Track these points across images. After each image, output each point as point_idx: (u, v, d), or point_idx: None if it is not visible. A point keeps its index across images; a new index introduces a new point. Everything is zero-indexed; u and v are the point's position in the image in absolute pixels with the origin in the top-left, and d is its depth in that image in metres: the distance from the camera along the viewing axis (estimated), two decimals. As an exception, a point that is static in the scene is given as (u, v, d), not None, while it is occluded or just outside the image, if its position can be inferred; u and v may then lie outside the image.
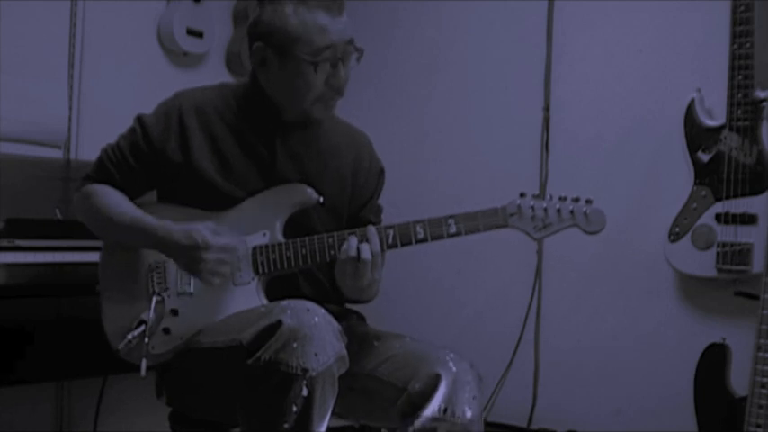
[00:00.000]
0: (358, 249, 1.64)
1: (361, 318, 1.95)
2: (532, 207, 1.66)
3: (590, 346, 2.76)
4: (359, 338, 1.78)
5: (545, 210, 1.66)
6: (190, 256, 1.66)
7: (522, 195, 1.67)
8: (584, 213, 1.65)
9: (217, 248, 1.66)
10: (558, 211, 1.66)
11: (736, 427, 2.11)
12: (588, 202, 1.66)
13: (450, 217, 1.67)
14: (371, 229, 1.67)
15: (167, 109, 1.81)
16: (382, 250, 1.66)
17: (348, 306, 1.95)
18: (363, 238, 1.66)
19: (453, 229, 1.68)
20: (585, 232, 1.66)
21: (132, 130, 1.82)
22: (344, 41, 1.70)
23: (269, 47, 1.72)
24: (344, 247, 1.66)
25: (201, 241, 1.64)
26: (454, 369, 1.61)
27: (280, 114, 1.80)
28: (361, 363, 1.70)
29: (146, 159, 1.80)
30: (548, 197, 1.67)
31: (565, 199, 1.66)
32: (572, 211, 1.66)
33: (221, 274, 1.68)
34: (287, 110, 1.79)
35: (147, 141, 1.79)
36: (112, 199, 1.78)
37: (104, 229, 1.81)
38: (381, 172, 1.96)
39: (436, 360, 1.63)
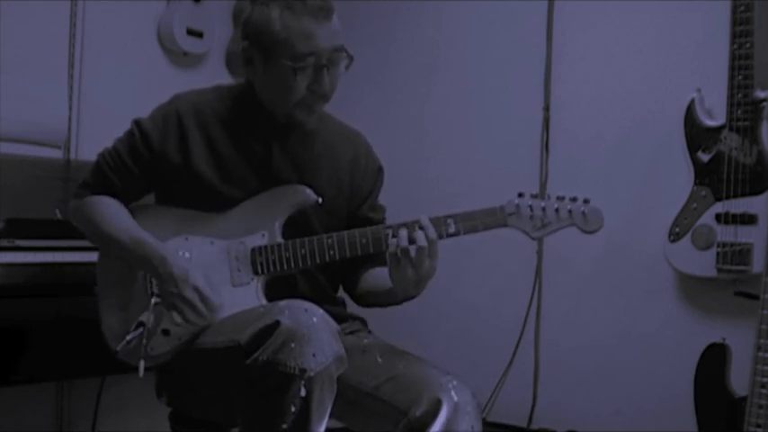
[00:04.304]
0: (411, 239, 1.62)
1: (363, 322, 1.95)
2: (531, 206, 1.66)
3: (590, 346, 2.76)
4: (363, 348, 1.77)
5: (543, 209, 1.66)
6: (171, 286, 1.67)
7: (520, 195, 1.67)
8: (582, 213, 1.65)
9: (203, 292, 1.66)
10: (557, 210, 1.66)
11: (736, 427, 2.11)
12: (586, 201, 1.66)
13: (449, 216, 1.67)
14: (425, 219, 1.65)
15: (166, 112, 1.81)
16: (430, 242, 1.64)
17: (350, 311, 1.95)
18: (413, 230, 1.64)
19: (452, 229, 1.67)
20: (584, 231, 1.66)
21: (130, 134, 1.82)
22: (331, 48, 1.69)
23: (254, 48, 1.73)
24: (393, 240, 1.64)
25: (191, 288, 1.65)
26: (456, 398, 1.60)
27: (273, 115, 1.80)
28: (363, 378, 1.68)
29: (145, 163, 1.80)
30: (546, 197, 1.67)
31: (563, 198, 1.66)
32: (570, 211, 1.65)
33: (183, 316, 1.67)
34: (273, 111, 1.79)
35: (146, 145, 1.79)
36: (110, 215, 1.78)
37: (99, 244, 1.83)
38: (380, 170, 1.95)
39: (438, 386, 1.61)
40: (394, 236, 1.65)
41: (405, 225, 1.66)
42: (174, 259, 1.69)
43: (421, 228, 1.64)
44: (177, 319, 1.67)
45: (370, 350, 1.77)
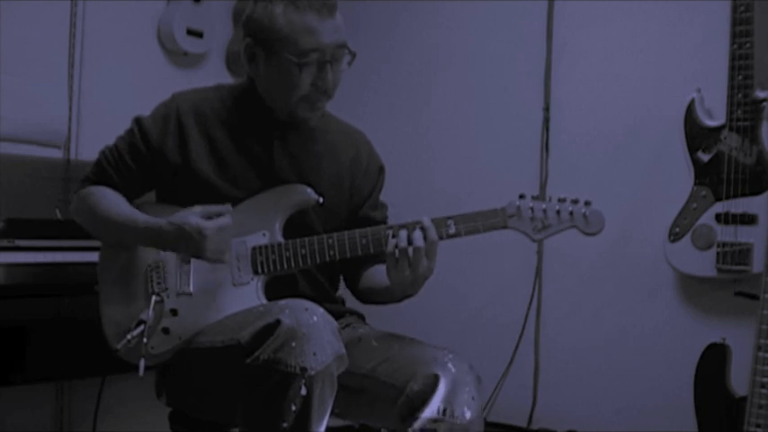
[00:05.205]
0: (410, 239, 1.63)
1: (361, 317, 1.96)
2: (532, 208, 1.67)
3: (590, 346, 2.76)
4: (359, 337, 1.78)
5: (544, 211, 1.66)
6: (190, 247, 1.67)
7: (521, 197, 1.67)
8: (583, 215, 1.65)
9: (213, 231, 1.66)
10: (558, 212, 1.66)
11: (736, 427, 2.11)
12: (587, 203, 1.66)
13: (450, 218, 1.68)
14: (427, 220, 1.66)
15: (165, 111, 1.81)
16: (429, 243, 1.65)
17: (348, 307, 1.95)
18: (413, 231, 1.65)
19: (452, 230, 1.68)
20: (584, 233, 1.66)
21: (130, 132, 1.82)
22: (334, 44, 1.69)
23: (257, 44, 1.73)
24: (393, 240, 1.64)
25: (196, 233, 1.64)
26: (453, 370, 1.60)
27: (274, 113, 1.80)
28: (360, 363, 1.69)
29: (144, 161, 1.80)
30: (547, 198, 1.67)
31: (564, 200, 1.67)
32: (571, 213, 1.66)
33: (225, 252, 1.69)
34: (275, 108, 1.79)
35: (145, 143, 1.79)
36: (109, 200, 1.79)
37: (101, 230, 1.82)
38: (381, 169, 1.96)
39: (435, 361, 1.62)
40: (394, 236, 1.66)
41: (406, 226, 1.66)
42: (166, 229, 1.68)
43: (422, 229, 1.64)
44: (224, 258, 1.69)
45: (365, 337, 1.78)
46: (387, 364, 1.67)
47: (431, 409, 1.56)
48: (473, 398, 1.60)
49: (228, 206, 1.72)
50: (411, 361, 1.64)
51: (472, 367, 1.65)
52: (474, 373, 1.64)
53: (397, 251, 1.64)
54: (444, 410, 1.56)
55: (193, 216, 1.67)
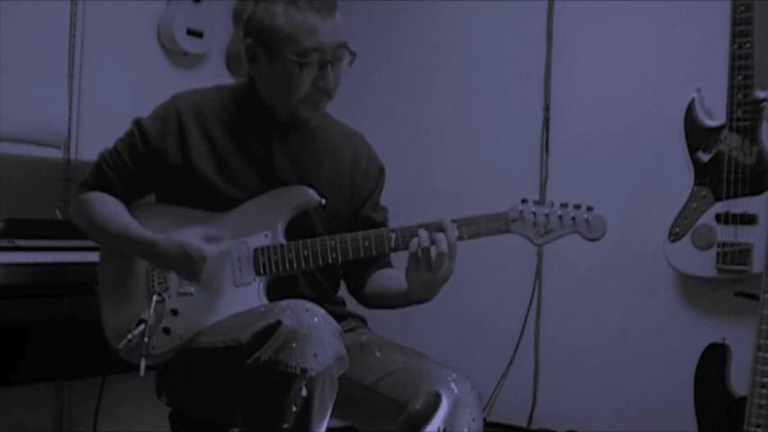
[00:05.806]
0: (431, 240, 1.62)
1: (363, 320, 1.95)
2: (534, 213, 1.66)
3: (590, 346, 2.76)
4: (361, 344, 1.78)
5: (546, 216, 1.66)
6: (187, 270, 1.68)
7: (523, 201, 1.67)
8: (586, 220, 1.65)
9: (214, 257, 1.67)
10: (560, 217, 1.66)
11: (736, 427, 2.11)
12: (589, 209, 1.65)
13: (453, 221, 1.67)
14: (446, 220, 1.65)
15: (165, 112, 1.81)
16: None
17: (348, 309, 1.95)
18: (433, 232, 1.64)
19: (456, 234, 1.67)
20: (586, 239, 1.66)
21: (130, 134, 1.82)
22: (335, 44, 1.70)
23: (258, 44, 1.73)
24: (414, 240, 1.64)
25: (198, 256, 1.65)
26: (456, 390, 1.60)
27: (274, 114, 1.80)
28: (363, 373, 1.69)
29: (145, 162, 1.80)
30: (549, 203, 1.67)
31: (566, 205, 1.66)
32: (573, 218, 1.65)
33: (220, 279, 1.70)
34: (276, 109, 1.79)
35: (145, 144, 1.79)
36: (107, 208, 1.79)
37: (97, 238, 1.83)
38: (381, 171, 1.95)
39: (438, 380, 1.62)
40: (413, 236, 1.65)
41: (424, 226, 1.66)
42: (163, 247, 1.68)
43: (441, 230, 1.64)
44: (215, 284, 1.69)
45: (368, 346, 1.77)
46: (389, 379, 1.67)
47: (431, 429, 1.56)
48: (474, 419, 1.60)
49: (227, 230, 1.73)
50: (414, 377, 1.64)
51: (474, 387, 1.65)
52: (475, 393, 1.64)
53: (420, 251, 1.63)
54: (444, 430, 1.57)
55: (195, 237, 1.68)
